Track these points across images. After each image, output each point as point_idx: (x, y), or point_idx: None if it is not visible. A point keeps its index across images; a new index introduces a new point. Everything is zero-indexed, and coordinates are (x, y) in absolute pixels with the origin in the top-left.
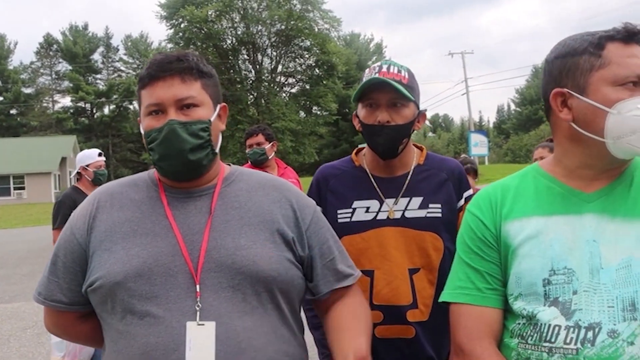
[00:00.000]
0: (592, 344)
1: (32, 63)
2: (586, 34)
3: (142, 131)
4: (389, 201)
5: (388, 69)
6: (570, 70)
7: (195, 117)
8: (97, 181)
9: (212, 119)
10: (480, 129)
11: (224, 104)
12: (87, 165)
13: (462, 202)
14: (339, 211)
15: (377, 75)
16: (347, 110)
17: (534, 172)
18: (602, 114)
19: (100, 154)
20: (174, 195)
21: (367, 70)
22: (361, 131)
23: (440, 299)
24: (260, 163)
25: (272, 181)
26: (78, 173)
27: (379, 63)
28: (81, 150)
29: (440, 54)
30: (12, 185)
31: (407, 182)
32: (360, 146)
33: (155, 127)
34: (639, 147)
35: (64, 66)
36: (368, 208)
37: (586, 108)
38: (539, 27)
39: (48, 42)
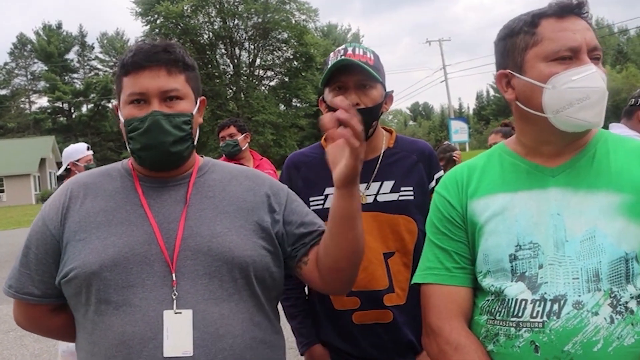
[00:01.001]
0: (557, 317)
1: (6, 64)
2: (523, 14)
3: (121, 118)
4: (361, 186)
5: (354, 51)
6: (509, 50)
7: (179, 109)
8: None
9: (194, 112)
10: (461, 115)
11: (203, 97)
12: (77, 160)
13: (433, 183)
14: (311, 198)
15: (343, 57)
16: None
17: (500, 150)
18: (539, 90)
19: (88, 148)
20: (149, 185)
21: (331, 54)
22: None
23: (412, 281)
24: (233, 155)
25: (245, 172)
26: (67, 169)
27: (343, 46)
28: (60, 150)
29: (417, 42)
30: None
31: (377, 166)
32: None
33: (137, 116)
34: (578, 119)
35: (39, 66)
36: None
37: (525, 86)
38: (514, 12)
39: (22, 42)
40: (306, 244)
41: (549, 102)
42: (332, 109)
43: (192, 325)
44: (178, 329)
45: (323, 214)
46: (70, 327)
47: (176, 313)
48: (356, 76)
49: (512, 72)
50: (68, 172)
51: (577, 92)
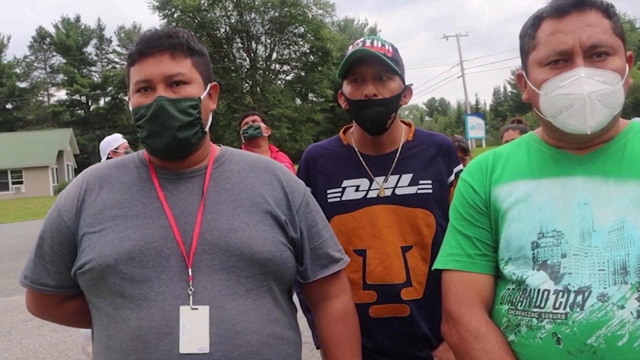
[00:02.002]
0: (581, 308)
1: (25, 57)
2: (535, 12)
3: (130, 108)
4: (379, 179)
5: (372, 43)
6: (521, 51)
7: (185, 94)
8: None
9: (202, 97)
10: (477, 111)
11: (215, 83)
12: (117, 148)
13: (452, 177)
14: (328, 191)
15: (361, 48)
16: None
17: (528, 138)
18: (537, 95)
19: (122, 137)
20: (165, 177)
21: (350, 47)
22: (348, 109)
23: (433, 267)
24: (254, 137)
25: (263, 162)
26: (108, 158)
27: (362, 38)
28: (78, 143)
29: (433, 37)
30: (10, 180)
31: (396, 159)
32: (345, 126)
33: (143, 103)
34: (571, 124)
35: (58, 59)
36: (358, 187)
37: (529, 89)
38: (532, 7)
39: (41, 36)
40: (306, 268)
41: (544, 108)
42: (351, 102)
43: (208, 322)
44: (194, 325)
45: (340, 206)
46: (82, 315)
47: (192, 309)
48: (373, 67)
49: (523, 73)
50: None
51: (564, 99)
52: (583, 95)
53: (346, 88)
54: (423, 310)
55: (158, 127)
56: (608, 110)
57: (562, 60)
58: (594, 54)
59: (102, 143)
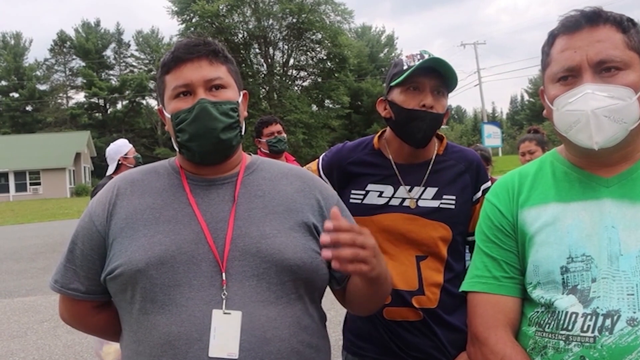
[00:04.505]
0: (610, 332)
1: (46, 60)
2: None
3: (167, 115)
4: (404, 188)
5: (431, 56)
6: (541, 67)
7: (224, 97)
8: (138, 165)
9: (239, 101)
10: (494, 120)
11: (245, 91)
12: (126, 154)
13: (479, 194)
14: (353, 191)
15: (420, 61)
16: (359, 103)
17: (552, 157)
18: (551, 111)
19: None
20: (197, 183)
21: (404, 58)
22: (389, 117)
23: (460, 289)
24: (281, 152)
25: (295, 170)
26: (118, 165)
27: (418, 51)
28: (95, 145)
29: (449, 45)
30: (28, 181)
31: (428, 171)
32: (381, 130)
33: (183, 108)
34: (580, 140)
35: (77, 62)
36: (381, 193)
37: (546, 104)
38: (549, 15)
39: (61, 39)
40: (341, 275)
41: (557, 123)
42: (403, 110)
43: (240, 327)
44: (225, 330)
45: (362, 208)
46: (113, 325)
47: (225, 313)
48: (434, 80)
49: (544, 89)
50: (117, 167)
51: (572, 115)
52: (587, 111)
53: (399, 96)
54: (437, 320)
55: (202, 128)
56: (619, 126)
57: (571, 77)
58: (603, 69)
59: (108, 150)
